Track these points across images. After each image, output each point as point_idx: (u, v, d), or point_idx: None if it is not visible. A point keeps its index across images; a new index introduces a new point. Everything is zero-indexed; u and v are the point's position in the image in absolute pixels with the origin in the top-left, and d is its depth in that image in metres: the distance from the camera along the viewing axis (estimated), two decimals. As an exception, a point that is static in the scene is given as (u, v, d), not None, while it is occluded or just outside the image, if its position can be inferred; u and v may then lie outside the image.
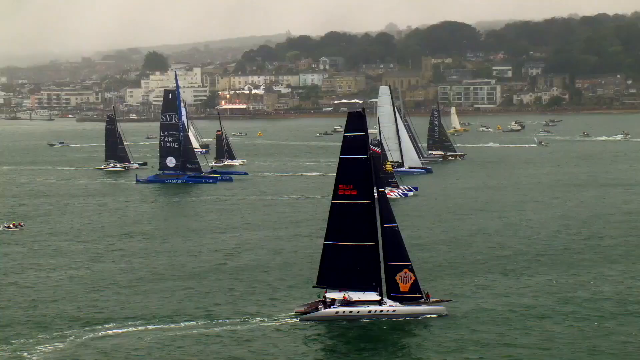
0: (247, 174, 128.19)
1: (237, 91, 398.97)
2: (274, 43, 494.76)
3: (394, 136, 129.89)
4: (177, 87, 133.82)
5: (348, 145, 49.94)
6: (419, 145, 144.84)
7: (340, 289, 50.03)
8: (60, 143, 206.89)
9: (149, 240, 75.63)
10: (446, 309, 49.21)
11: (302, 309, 49.76)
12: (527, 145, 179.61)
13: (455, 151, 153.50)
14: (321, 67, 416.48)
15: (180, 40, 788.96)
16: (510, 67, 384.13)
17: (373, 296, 49.58)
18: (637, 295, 53.20)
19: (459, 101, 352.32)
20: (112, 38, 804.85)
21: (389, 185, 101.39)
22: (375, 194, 50.33)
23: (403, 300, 49.42)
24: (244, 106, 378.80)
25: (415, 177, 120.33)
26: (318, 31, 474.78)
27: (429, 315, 48.68)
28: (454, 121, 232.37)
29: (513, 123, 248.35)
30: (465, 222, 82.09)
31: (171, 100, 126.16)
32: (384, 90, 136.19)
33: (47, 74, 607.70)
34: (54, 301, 54.03)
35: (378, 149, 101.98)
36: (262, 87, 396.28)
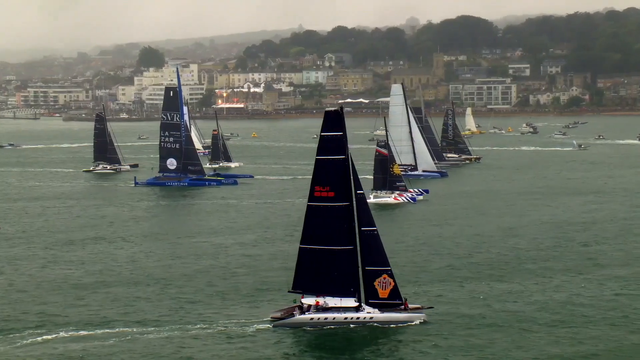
0: (252, 176, 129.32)
1: (235, 89, 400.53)
2: (281, 38, 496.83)
3: (406, 137, 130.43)
4: (179, 84, 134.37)
5: (325, 146, 51.37)
6: (439, 147, 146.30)
7: (317, 294, 51.73)
8: (11, 145, 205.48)
9: (119, 244, 77.58)
10: (426, 317, 50.82)
11: (277, 314, 51.38)
12: (564, 149, 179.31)
13: (470, 154, 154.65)
14: (326, 64, 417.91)
15: (186, 35, 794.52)
16: (528, 65, 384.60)
17: (351, 302, 51.20)
18: (609, 301, 55.14)
19: (471, 101, 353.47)
20: (114, 33, 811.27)
21: (397, 189, 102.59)
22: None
23: (382, 307, 51.06)
24: (241, 105, 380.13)
25: (430, 182, 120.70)
26: (333, 25, 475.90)
27: (408, 323, 50.22)
28: (469, 122, 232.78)
29: (524, 125, 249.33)
30: (456, 227, 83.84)
31: (172, 98, 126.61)
32: (396, 88, 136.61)
33: (38, 70, 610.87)
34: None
35: (385, 151, 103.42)
36: (263, 85, 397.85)
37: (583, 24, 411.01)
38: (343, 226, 51.30)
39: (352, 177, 51.47)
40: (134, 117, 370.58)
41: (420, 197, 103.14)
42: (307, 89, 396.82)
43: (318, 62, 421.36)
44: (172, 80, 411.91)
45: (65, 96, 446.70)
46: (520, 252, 71.15)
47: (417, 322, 50.43)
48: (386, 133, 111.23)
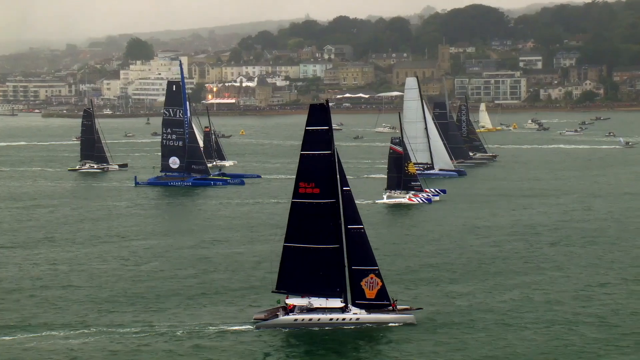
0: (259, 176, 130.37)
1: (227, 84, 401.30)
2: (279, 29, 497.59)
3: (422, 134, 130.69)
4: (182, 78, 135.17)
5: (310, 140, 52.95)
6: (465, 145, 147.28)
7: (302, 294, 53.41)
8: None
9: (110, 243, 79.58)
10: (415, 318, 52.46)
11: (261, 316, 53.02)
12: (609, 147, 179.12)
13: (485, 152, 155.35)
14: (325, 56, 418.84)
15: (186, 25, 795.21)
16: (540, 58, 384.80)
17: (337, 303, 52.85)
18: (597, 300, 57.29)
19: (478, 96, 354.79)
20: (109, 23, 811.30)
21: (412, 189, 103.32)
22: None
23: (369, 308, 52.73)
24: (233, 101, 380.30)
25: (447, 181, 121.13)
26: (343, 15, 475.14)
27: (395, 324, 51.86)
28: (484, 119, 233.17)
29: (529, 121, 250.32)
30: (454, 227, 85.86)
31: (175, 92, 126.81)
32: (411, 82, 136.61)
33: (23, 62, 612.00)
34: None
35: (399, 148, 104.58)
36: (256, 78, 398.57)
37: (601, 13, 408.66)
38: (329, 224, 52.87)
39: (338, 173, 53.15)
40: (118, 113, 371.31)
41: (437, 198, 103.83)
42: (304, 83, 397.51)
43: (317, 55, 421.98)
44: (159, 74, 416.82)
45: (46, 91, 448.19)
46: (517, 253, 73.03)
47: (406, 323, 52.02)
48: (401, 130, 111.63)
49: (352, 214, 53.11)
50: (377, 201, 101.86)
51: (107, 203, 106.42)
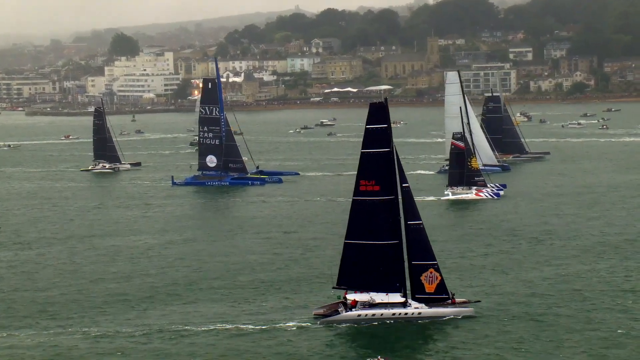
0: (297, 174, 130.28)
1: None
2: (266, 22, 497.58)
3: (465, 130, 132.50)
4: (218, 75, 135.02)
5: (369, 139, 54.88)
6: (524, 140, 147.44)
7: (362, 290, 55.15)
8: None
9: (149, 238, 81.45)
10: (474, 311, 54.41)
11: (321, 311, 54.81)
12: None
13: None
14: (313, 50, 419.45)
15: (175, 19, 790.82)
16: (530, 49, 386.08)
17: (397, 297, 54.67)
18: None
19: (467, 89, 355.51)
20: (96, 17, 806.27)
21: (475, 184, 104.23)
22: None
23: (429, 302, 54.57)
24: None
25: (496, 176, 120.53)
26: (334, 6, 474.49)
27: (456, 317, 53.80)
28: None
29: (518, 114, 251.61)
30: (504, 219, 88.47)
31: (211, 90, 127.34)
32: (452, 76, 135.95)
33: (6, 59, 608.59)
34: None
35: (461, 144, 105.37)
36: (243, 74, 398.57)
37: (593, 2, 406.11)
38: (388, 220, 54.78)
39: (397, 170, 54.95)
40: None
41: (502, 192, 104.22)
42: (292, 77, 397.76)
43: (304, 49, 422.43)
44: (145, 70, 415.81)
45: (30, 88, 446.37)
46: (579, 246, 75.25)
47: (465, 316, 53.99)
48: (462, 124, 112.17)
49: (412, 210, 55.02)
50: (442, 198, 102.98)
51: (152, 203, 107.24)
